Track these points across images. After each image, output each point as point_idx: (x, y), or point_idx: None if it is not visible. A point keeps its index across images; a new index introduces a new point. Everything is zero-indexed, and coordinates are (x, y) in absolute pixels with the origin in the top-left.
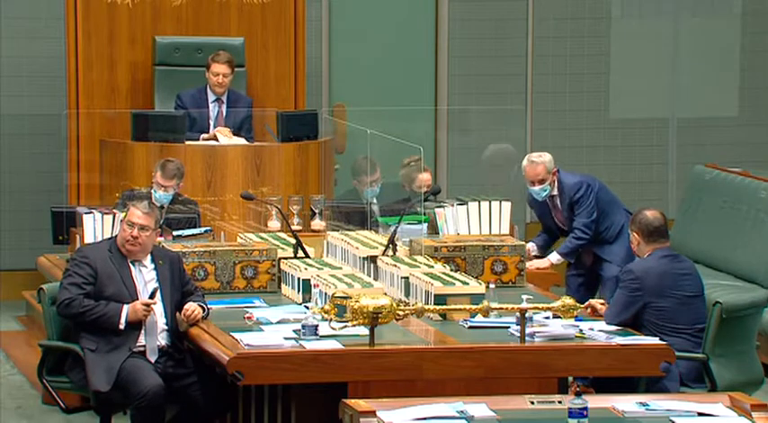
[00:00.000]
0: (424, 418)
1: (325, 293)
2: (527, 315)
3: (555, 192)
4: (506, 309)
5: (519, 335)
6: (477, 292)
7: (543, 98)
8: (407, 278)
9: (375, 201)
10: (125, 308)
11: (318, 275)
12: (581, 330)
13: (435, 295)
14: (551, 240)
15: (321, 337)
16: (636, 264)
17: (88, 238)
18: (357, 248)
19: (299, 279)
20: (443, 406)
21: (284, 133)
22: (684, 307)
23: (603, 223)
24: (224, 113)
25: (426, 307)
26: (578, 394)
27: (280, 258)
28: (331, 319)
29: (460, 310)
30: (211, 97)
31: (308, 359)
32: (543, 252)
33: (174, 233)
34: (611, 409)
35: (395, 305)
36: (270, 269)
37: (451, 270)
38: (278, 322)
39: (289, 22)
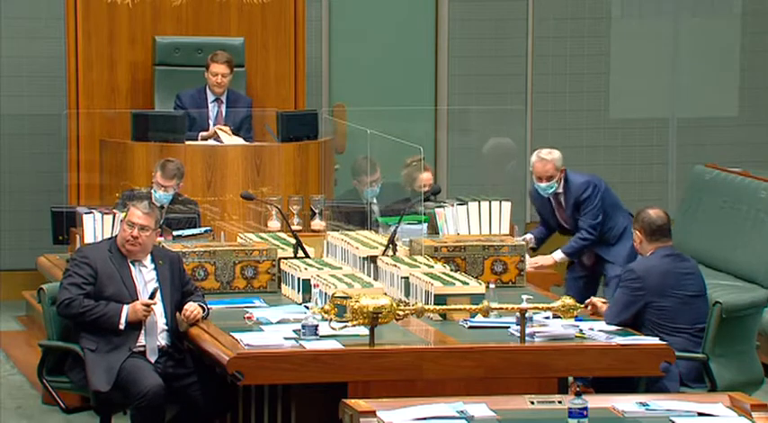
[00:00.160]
0: (424, 418)
1: (325, 293)
2: (527, 315)
3: (560, 190)
4: (506, 309)
5: (519, 335)
6: (477, 292)
7: (543, 98)
8: (407, 278)
9: (375, 201)
10: (125, 308)
11: (318, 275)
12: (581, 330)
13: (435, 295)
14: (548, 234)
15: (321, 337)
16: (637, 263)
17: (88, 238)
18: (357, 248)
19: (299, 279)
20: (443, 406)
21: (284, 133)
22: (686, 306)
23: (607, 224)
24: (223, 113)
25: (426, 307)
26: (578, 394)
27: (280, 258)
28: (331, 319)
29: (460, 310)
30: (211, 97)
31: (308, 359)
32: (539, 245)
33: (174, 233)
34: (611, 409)
35: (395, 305)
36: (270, 269)
37: (451, 270)
38: (278, 322)
39: (289, 22)
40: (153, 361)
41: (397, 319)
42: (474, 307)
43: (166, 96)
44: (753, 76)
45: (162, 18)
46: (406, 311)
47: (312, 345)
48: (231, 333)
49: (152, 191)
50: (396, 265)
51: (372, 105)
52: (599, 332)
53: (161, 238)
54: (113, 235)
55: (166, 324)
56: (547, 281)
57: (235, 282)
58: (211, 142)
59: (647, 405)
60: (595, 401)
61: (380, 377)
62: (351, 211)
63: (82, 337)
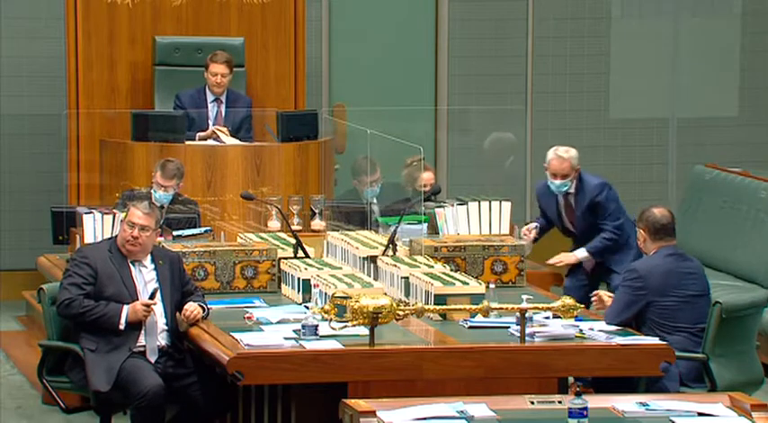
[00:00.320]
0: (424, 418)
1: (325, 293)
2: (527, 315)
3: (572, 190)
4: (506, 309)
5: (519, 335)
6: (477, 292)
7: (543, 98)
8: (407, 278)
9: (375, 201)
10: (125, 308)
11: (318, 275)
12: (581, 330)
13: (435, 295)
14: (549, 227)
15: (321, 337)
16: (640, 262)
17: (88, 238)
18: (357, 248)
19: (299, 279)
20: (443, 406)
21: (284, 133)
22: (688, 305)
23: None
24: (223, 113)
25: (426, 307)
26: (578, 394)
27: (280, 258)
28: (331, 319)
29: (460, 310)
30: (210, 97)
31: (308, 359)
32: (540, 236)
33: (174, 233)
34: (611, 409)
35: (395, 305)
36: (270, 269)
37: (451, 270)
38: (278, 322)
39: (289, 22)
40: (153, 361)
41: (397, 319)
42: (474, 307)
43: (166, 96)
44: (753, 76)
45: (162, 18)
46: (406, 311)
47: (312, 345)
48: (231, 333)
49: (152, 191)
50: (396, 265)
51: (372, 105)
52: (599, 332)
53: (161, 238)
54: (113, 235)
55: (166, 324)
56: (547, 281)
57: (235, 282)
58: (211, 142)
59: (647, 405)
60: (595, 401)
61: (380, 377)
62: (351, 211)
63: (82, 338)
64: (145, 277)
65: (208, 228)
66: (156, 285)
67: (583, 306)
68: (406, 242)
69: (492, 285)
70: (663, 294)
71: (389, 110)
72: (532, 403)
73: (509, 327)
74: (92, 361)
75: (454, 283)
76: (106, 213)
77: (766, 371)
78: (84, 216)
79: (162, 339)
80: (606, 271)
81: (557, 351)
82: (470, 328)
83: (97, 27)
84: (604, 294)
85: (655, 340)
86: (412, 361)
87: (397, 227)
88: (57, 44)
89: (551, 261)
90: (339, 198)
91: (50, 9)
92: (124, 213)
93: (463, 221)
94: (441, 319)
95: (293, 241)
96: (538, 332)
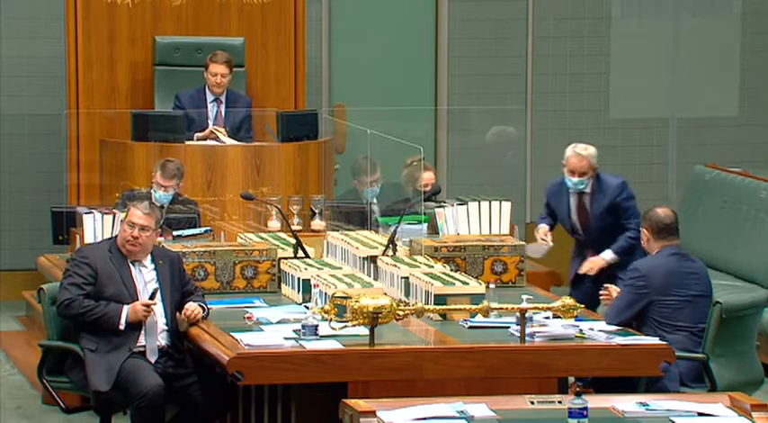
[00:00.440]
0: (424, 418)
1: (325, 293)
2: (527, 315)
3: (587, 189)
4: (506, 309)
5: (519, 335)
6: (477, 292)
7: (543, 98)
8: (407, 278)
9: (375, 201)
10: (125, 308)
11: (318, 275)
12: (581, 330)
13: (435, 295)
14: (554, 225)
15: (321, 337)
16: (642, 261)
17: (88, 238)
18: (357, 248)
19: (299, 279)
20: (443, 406)
21: (284, 133)
22: (689, 304)
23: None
24: (223, 113)
25: (426, 307)
26: (578, 394)
27: (280, 258)
28: (331, 319)
29: (460, 310)
30: (210, 97)
31: (308, 359)
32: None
33: (174, 233)
34: (611, 409)
35: (395, 305)
36: (270, 269)
37: (451, 270)
38: (278, 322)
39: (289, 22)
40: (153, 361)
41: (397, 319)
42: (474, 307)
43: (166, 96)
44: (753, 76)
45: (162, 18)
46: (406, 311)
47: (312, 345)
48: (231, 333)
49: (152, 191)
50: (396, 265)
51: (372, 105)
52: (599, 332)
53: (161, 238)
54: (113, 235)
55: (166, 324)
56: (547, 281)
57: (235, 282)
58: (211, 142)
59: (647, 405)
60: (595, 401)
61: (380, 377)
62: (351, 211)
63: (82, 338)
64: (145, 277)
65: (208, 228)
66: (156, 285)
67: (583, 306)
68: (406, 242)
69: (492, 285)
70: (665, 293)
71: (389, 110)
72: (532, 403)
73: (509, 327)
74: (92, 361)
75: (454, 283)
76: (106, 213)
77: (766, 371)
78: (84, 216)
79: (162, 339)
80: (617, 280)
81: (557, 351)
82: (470, 328)
83: (97, 27)
84: (614, 290)
85: (655, 340)
86: (412, 361)
87: (397, 227)
88: (57, 44)
89: (582, 270)
90: (339, 198)
91: (50, 9)
92: (124, 213)
93: (463, 221)
94: (441, 319)
95: (293, 241)
96: (538, 332)
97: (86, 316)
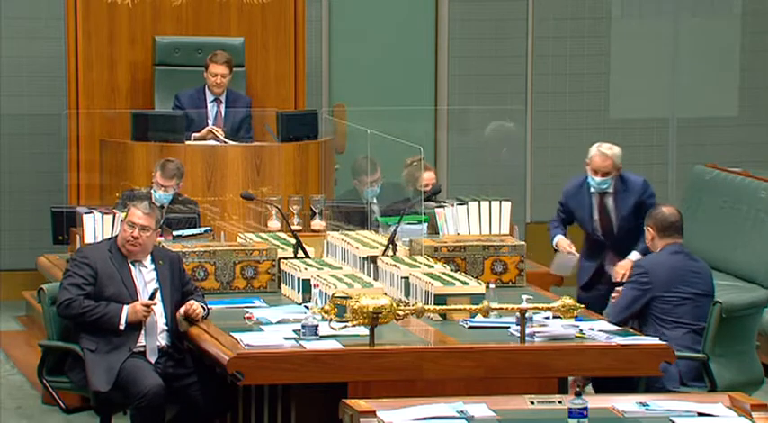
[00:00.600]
0: (424, 418)
1: (325, 293)
2: (527, 315)
3: (610, 190)
4: (506, 309)
5: (519, 335)
6: (477, 292)
7: (543, 98)
8: (407, 278)
9: (375, 201)
10: (125, 308)
11: (318, 275)
12: (581, 330)
13: (435, 295)
14: (566, 231)
15: (321, 337)
16: (645, 259)
17: (88, 238)
18: (357, 248)
19: (299, 279)
20: (443, 406)
21: (284, 133)
22: (690, 302)
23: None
24: (222, 113)
25: (426, 307)
26: (578, 394)
27: (280, 258)
28: (331, 319)
29: (460, 310)
30: (210, 97)
31: (308, 359)
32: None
33: (174, 233)
34: (611, 409)
35: (395, 305)
36: (270, 269)
37: (451, 270)
38: (278, 322)
39: (289, 22)
40: (153, 361)
41: (397, 319)
42: (474, 307)
43: (166, 96)
44: (753, 76)
45: (162, 18)
46: (406, 311)
47: (312, 345)
48: (231, 333)
49: (152, 191)
50: (396, 265)
51: (372, 105)
52: (599, 332)
53: (161, 238)
54: (113, 235)
55: (166, 324)
56: (547, 281)
57: (235, 282)
58: (211, 142)
59: (647, 405)
60: (595, 401)
61: (380, 377)
62: (351, 211)
63: (82, 338)
64: (145, 277)
65: (208, 228)
66: (156, 285)
67: (583, 306)
68: (406, 242)
69: (492, 285)
70: (667, 290)
71: (389, 110)
72: (532, 403)
73: (509, 327)
74: (92, 361)
75: (454, 283)
76: (106, 213)
77: (766, 371)
78: (84, 216)
79: (162, 339)
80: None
81: (557, 351)
82: (470, 328)
83: (97, 27)
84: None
85: (655, 340)
86: (412, 361)
87: (397, 227)
88: (57, 44)
89: (617, 278)
90: (339, 198)
91: (50, 9)
92: (124, 213)
93: (463, 221)
94: (441, 319)
95: (293, 241)
96: (538, 332)
97: (86, 316)
